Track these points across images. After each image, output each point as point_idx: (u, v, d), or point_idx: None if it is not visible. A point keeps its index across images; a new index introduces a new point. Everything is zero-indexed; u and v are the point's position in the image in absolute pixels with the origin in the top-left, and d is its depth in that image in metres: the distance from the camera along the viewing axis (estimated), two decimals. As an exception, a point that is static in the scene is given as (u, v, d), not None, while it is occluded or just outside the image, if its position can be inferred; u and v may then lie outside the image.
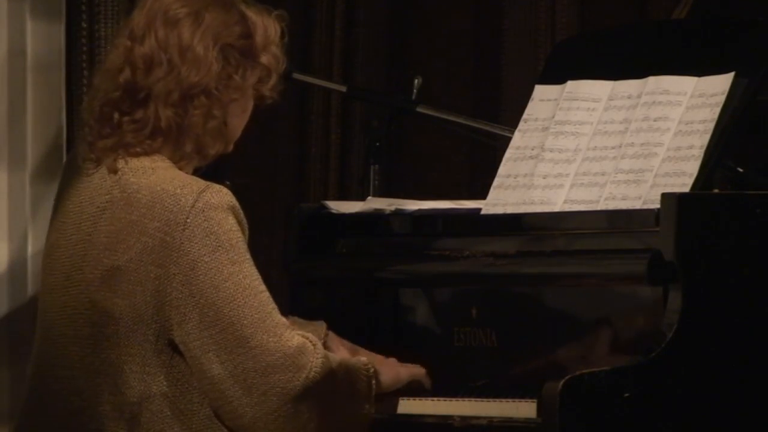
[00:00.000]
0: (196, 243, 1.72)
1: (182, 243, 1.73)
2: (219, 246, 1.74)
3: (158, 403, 1.75)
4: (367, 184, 2.91)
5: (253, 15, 1.90)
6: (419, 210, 2.48)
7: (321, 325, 1.96)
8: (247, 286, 1.75)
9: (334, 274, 2.47)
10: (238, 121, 1.90)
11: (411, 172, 3.97)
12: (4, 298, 2.85)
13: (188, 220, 1.73)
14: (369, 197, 2.68)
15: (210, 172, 1.93)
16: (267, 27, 1.90)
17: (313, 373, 1.76)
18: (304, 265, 2.48)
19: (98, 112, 1.83)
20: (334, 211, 2.51)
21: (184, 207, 1.74)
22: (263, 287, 1.78)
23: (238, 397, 1.73)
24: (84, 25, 2.96)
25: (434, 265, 2.38)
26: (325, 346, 1.92)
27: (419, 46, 3.95)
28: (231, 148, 1.92)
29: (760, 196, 2.21)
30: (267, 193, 3.85)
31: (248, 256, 1.78)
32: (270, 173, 3.90)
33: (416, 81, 2.98)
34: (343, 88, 3.40)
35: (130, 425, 1.75)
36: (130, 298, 1.73)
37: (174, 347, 1.75)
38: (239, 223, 1.79)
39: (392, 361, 2.04)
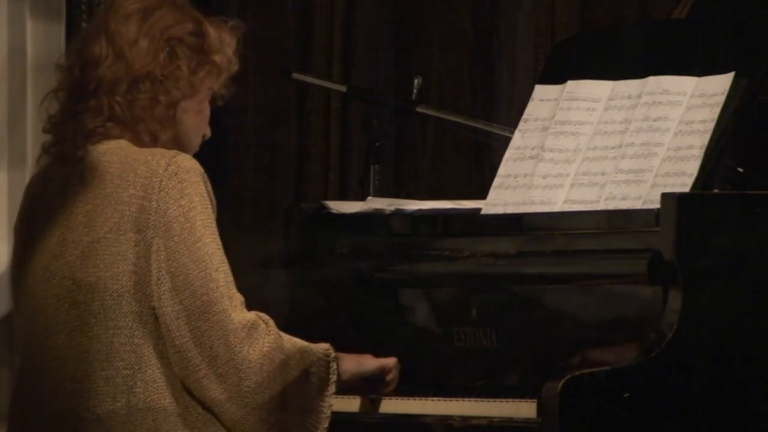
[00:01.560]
0: (171, 204, 1.76)
1: (158, 205, 1.76)
2: (192, 207, 1.78)
3: (150, 372, 1.77)
4: (367, 184, 2.91)
5: (207, 22, 1.94)
6: (419, 210, 2.48)
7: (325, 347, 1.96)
8: (214, 252, 1.79)
9: (334, 274, 2.47)
10: (194, 120, 1.93)
11: (411, 172, 3.97)
12: (4, 298, 2.85)
13: (163, 183, 1.77)
14: (369, 197, 2.68)
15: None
16: (220, 33, 1.94)
17: (266, 347, 1.78)
18: (305, 264, 2.48)
19: (59, 111, 1.89)
20: (334, 211, 2.51)
21: (157, 171, 1.78)
22: (225, 258, 1.82)
23: (203, 369, 1.75)
24: (84, 25, 2.96)
25: (434, 265, 2.38)
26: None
27: (419, 47, 3.95)
28: (194, 148, 1.95)
29: (760, 196, 2.21)
30: (267, 193, 3.85)
31: (215, 226, 1.81)
32: (270, 173, 3.90)
33: (416, 81, 2.98)
34: (343, 88, 3.41)
35: (126, 396, 1.76)
36: (112, 269, 1.76)
37: (156, 316, 1.77)
38: (208, 191, 1.83)
39: (366, 355, 2.06)
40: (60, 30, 2.97)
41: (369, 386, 2.05)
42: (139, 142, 1.86)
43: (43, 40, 2.93)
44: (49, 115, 1.93)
